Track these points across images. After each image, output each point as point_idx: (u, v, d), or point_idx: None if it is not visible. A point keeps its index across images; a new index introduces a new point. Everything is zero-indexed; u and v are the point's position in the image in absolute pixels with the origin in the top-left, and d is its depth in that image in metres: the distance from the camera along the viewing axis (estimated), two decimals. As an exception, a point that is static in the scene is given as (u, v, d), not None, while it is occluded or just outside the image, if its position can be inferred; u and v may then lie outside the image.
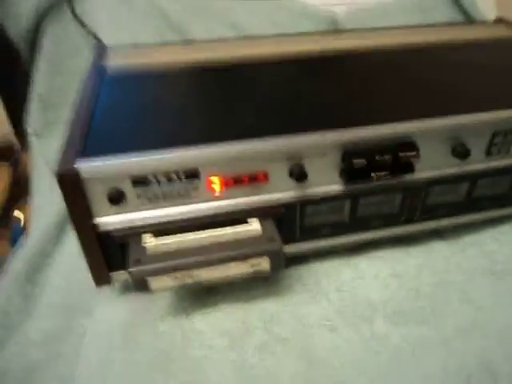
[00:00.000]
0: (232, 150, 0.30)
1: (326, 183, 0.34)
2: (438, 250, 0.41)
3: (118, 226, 0.31)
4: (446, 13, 0.71)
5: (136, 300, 0.36)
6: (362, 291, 0.37)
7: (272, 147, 0.31)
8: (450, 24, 0.58)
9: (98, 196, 0.30)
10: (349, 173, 0.33)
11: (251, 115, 0.34)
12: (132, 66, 0.44)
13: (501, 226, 0.42)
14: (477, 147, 0.35)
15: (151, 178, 0.30)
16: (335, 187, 0.34)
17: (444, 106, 0.34)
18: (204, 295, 0.36)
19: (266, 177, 0.32)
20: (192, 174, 0.30)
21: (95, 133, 0.32)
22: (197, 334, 0.34)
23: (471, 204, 0.39)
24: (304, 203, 0.34)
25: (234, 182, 0.31)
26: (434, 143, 0.34)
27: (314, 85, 0.39)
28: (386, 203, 0.36)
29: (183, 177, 0.30)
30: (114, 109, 0.35)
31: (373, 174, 0.33)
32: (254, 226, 0.33)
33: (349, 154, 0.32)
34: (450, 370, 0.31)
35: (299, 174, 0.31)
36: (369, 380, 0.31)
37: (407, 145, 0.32)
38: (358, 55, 0.46)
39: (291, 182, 0.33)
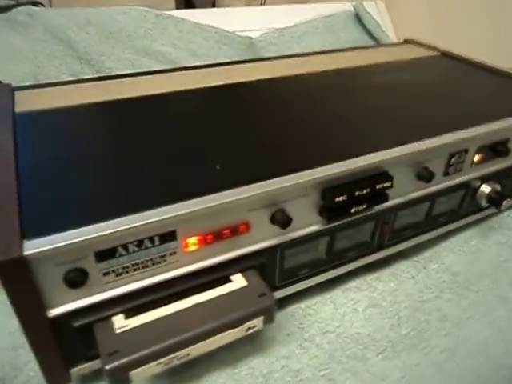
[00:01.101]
0: (211, 204, 0.26)
1: (307, 224, 0.31)
2: (404, 270, 0.41)
3: (81, 313, 0.25)
4: (353, 33, 0.75)
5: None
6: (346, 329, 0.35)
7: (253, 195, 0.27)
8: (365, 47, 0.60)
9: (52, 282, 0.23)
10: (330, 210, 0.31)
11: (218, 161, 0.30)
12: (48, 110, 0.37)
13: (452, 237, 0.44)
14: (436, 169, 0.36)
15: (120, 248, 0.25)
16: (315, 227, 0.32)
17: (405, 133, 0.35)
18: (181, 369, 0.32)
19: (247, 227, 0.29)
20: (168, 237, 0.26)
21: (31, 202, 0.25)
22: (186, 420, 0.29)
23: (429, 222, 0.40)
24: (284, 248, 0.32)
25: (214, 239, 0.28)
26: (402, 170, 0.34)
27: (268, 122, 0.37)
28: (359, 234, 0.35)
29: (158, 241, 0.26)
30: (44, 167, 0.29)
31: (353, 210, 0.31)
32: (239, 282, 0.29)
33: (329, 191, 0.30)
34: (453, 397, 0.31)
35: (284, 220, 0.29)
36: (381, 428, 0.29)
37: (382, 175, 0.32)
38: (293, 85, 0.45)
39: (274, 229, 0.30)
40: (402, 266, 0.41)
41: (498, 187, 0.40)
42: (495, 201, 0.40)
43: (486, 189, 0.40)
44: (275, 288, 0.33)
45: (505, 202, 0.39)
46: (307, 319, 0.36)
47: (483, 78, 0.48)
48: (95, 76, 0.49)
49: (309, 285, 0.35)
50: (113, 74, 0.47)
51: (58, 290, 0.24)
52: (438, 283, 0.40)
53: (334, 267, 0.36)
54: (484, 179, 0.40)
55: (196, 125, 0.35)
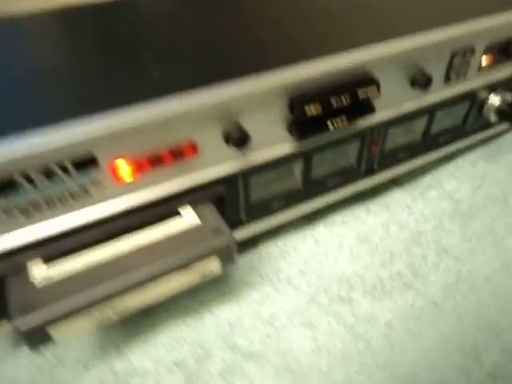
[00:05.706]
0: (141, 117, 0.20)
1: (272, 143, 0.26)
2: (399, 200, 0.35)
3: (-18, 261, 0.20)
4: None
5: (39, 352, 0.26)
6: (329, 268, 0.31)
7: (198, 104, 0.21)
8: None
9: None
10: (301, 125, 0.25)
11: (155, 66, 0.24)
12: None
13: (454, 160, 0.38)
14: (435, 74, 0.29)
15: (19, 179, 0.19)
16: (284, 147, 0.26)
17: (393, 28, 0.28)
18: (137, 318, 0.27)
19: (194, 149, 0.23)
20: (86, 162, 0.20)
21: None
22: (138, 376, 0.25)
23: (428, 142, 0.34)
24: (246, 174, 0.26)
25: (151, 164, 0.22)
26: (392, 74, 0.27)
27: (213, 17, 0.30)
28: (341, 156, 0.30)
29: (72, 169, 0.20)
30: None
31: (329, 123, 0.25)
32: (188, 217, 0.24)
33: (298, 100, 0.24)
34: (453, 341, 0.26)
35: (240, 137, 0.23)
36: (368, 376, 0.25)
37: (365, 79, 0.25)
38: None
39: (229, 150, 0.24)
40: (396, 195, 0.36)
41: (510, 98, 0.34)
42: (507, 115, 0.33)
43: (495, 100, 0.34)
44: (241, 222, 0.28)
45: (519, 113, 0.33)
46: (284, 258, 0.31)
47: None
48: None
49: (284, 219, 0.30)
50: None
51: None
52: (437, 212, 0.35)
53: (314, 198, 0.30)
54: (493, 88, 0.34)
55: (144, 31, 0.29)
